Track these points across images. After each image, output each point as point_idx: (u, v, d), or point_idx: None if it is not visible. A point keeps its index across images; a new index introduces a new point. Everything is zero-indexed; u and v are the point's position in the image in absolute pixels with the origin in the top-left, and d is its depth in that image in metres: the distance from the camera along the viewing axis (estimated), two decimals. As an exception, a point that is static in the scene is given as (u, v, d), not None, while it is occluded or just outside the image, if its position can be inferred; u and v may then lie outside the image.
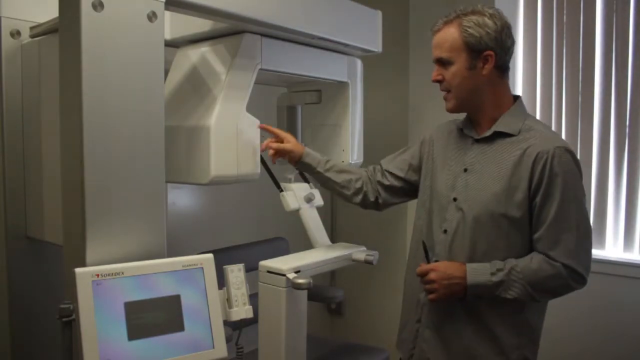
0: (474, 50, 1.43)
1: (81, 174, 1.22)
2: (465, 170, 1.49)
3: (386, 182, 1.71)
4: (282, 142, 1.73)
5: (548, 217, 1.37)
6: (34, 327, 1.66)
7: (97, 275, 1.17)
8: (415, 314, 1.56)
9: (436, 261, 1.48)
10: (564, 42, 2.44)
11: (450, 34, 1.45)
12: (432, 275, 1.42)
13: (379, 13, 2.01)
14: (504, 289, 1.38)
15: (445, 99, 1.50)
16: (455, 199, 1.49)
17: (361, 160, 2.11)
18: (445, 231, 1.49)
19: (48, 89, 1.55)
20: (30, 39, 1.63)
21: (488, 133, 1.48)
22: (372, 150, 2.21)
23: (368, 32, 1.96)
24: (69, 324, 1.19)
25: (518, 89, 2.60)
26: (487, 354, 1.44)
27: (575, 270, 1.38)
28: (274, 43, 1.69)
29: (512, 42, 1.47)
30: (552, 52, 2.48)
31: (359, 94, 2.09)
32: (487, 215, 1.42)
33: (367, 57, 2.06)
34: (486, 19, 1.43)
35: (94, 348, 1.12)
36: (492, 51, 1.43)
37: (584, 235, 1.40)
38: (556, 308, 2.44)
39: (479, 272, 1.39)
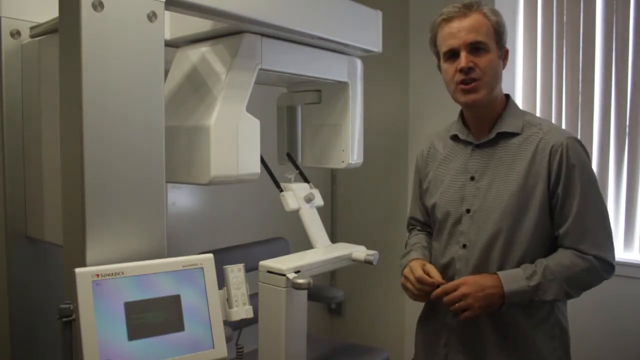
0: (499, 42, 1.35)
1: (81, 174, 1.21)
2: (473, 178, 1.40)
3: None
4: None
5: (572, 210, 1.30)
6: (34, 327, 1.65)
7: (97, 275, 1.17)
8: (441, 337, 1.45)
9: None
10: (564, 42, 2.44)
11: (480, 20, 1.33)
12: (464, 290, 1.29)
13: (379, 13, 2.01)
14: (542, 291, 1.28)
15: (473, 89, 1.33)
16: (468, 210, 1.39)
17: (361, 160, 2.10)
18: (464, 246, 1.39)
19: (48, 89, 1.55)
20: (30, 39, 1.63)
21: (491, 136, 1.39)
22: (372, 150, 2.21)
23: (368, 32, 1.95)
24: (69, 324, 1.19)
25: (518, 89, 2.60)
26: None
27: (606, 260, 1.31)
28: (274, 43, 1.69)
29: None
30: (552, 52, 2.48)
31: (359, 94, 2.08)
32: (509, 218, 1.33)
33: (367, 57, 2.06)
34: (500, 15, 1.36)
35: (94, 348, 1.12)
36: (507, 48, 1.37)
37: (608, 223, 1.34)
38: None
39: (513, 278, 1.29)
